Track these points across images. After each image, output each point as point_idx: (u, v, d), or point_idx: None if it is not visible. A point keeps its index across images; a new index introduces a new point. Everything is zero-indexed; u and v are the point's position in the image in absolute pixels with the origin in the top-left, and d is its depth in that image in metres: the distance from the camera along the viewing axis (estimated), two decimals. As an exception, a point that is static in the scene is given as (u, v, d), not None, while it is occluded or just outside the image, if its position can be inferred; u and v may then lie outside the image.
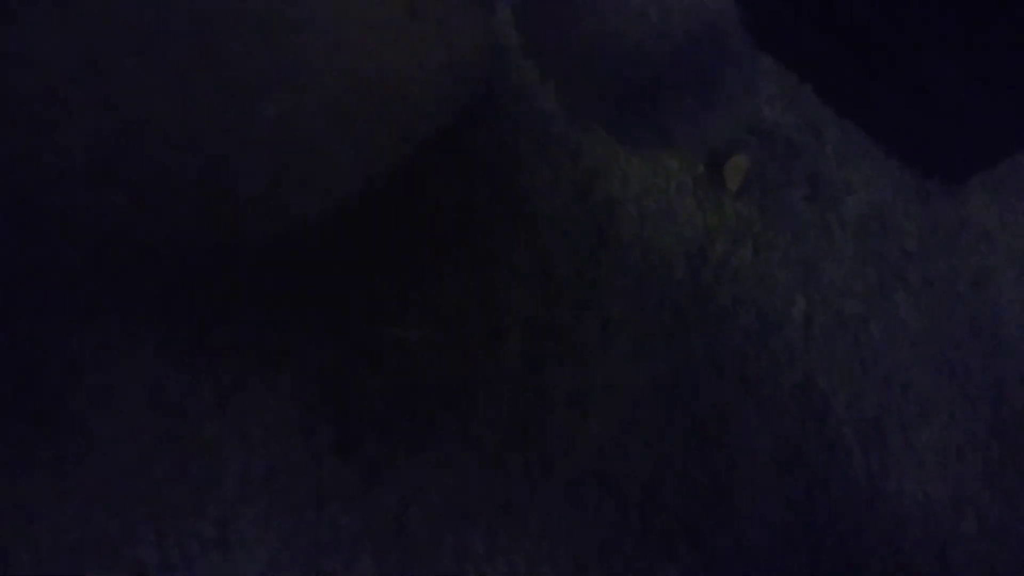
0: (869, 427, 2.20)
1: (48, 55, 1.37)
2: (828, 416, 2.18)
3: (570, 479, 1.95)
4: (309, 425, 1.84)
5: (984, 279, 2.48)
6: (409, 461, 1.87)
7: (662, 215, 2.23)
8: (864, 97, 2.48)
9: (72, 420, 1.70)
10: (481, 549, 1.86)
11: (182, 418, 1.77)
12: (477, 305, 2.00)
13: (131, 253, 1.66)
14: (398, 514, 1.83)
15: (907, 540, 2.12)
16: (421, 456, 1.88)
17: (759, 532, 2.03)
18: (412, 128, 1.70)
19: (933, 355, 2.33)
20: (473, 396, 1.95)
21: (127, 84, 1.36)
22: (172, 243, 1.63)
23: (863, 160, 2.49)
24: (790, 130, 2.40)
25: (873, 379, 2.25)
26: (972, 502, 2.20)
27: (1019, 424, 2.38)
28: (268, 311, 1.87)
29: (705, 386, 2.11)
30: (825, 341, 2.25)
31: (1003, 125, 2.48)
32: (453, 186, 2.04)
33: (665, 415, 2.06)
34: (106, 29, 1.37)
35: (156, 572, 1.67)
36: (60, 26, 1.36)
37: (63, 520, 1.64)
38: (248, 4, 1.46)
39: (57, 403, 1.70)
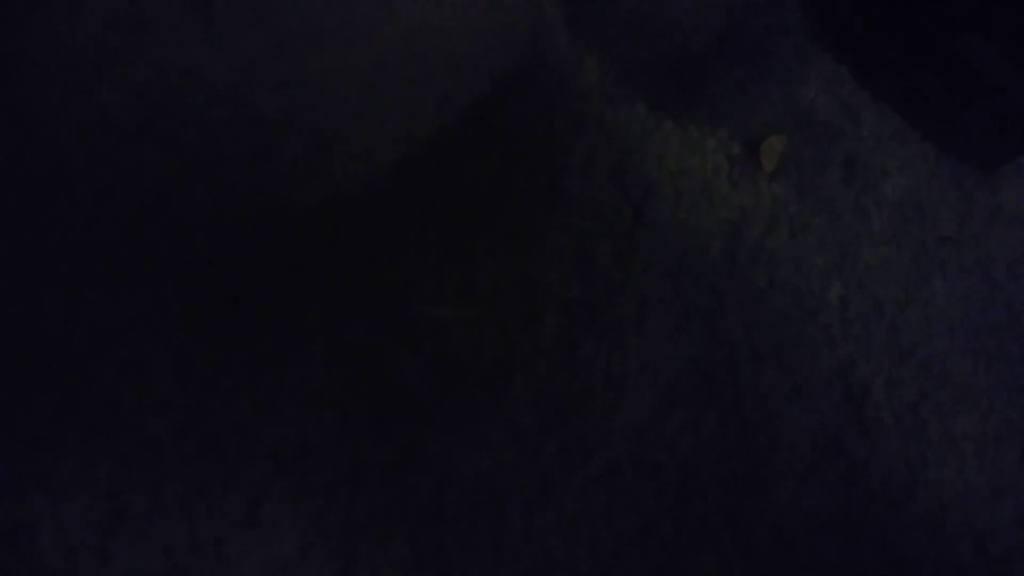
0: (907, 414, 2.17)
1: (91, 6, 1.31)
2: (866, 402, 2.14)
3: (607, 462, 1.92)
4: (343, 402, 1.80)
5: (1019, 265, 2.45)
6: (444, 441, 1.84)
7: (698, 195, 2.19)
8: (902, 82, 2.44)
9: (100, 394, 1.66)
10: (517, 531, 1.82)
11: (213, 392, 1.74)
12: (513, 284, 1.96)
13: (164, 222, 1.62)
14: (433, 495, 1.80)
15: (946, 528, 2.09)
16: (456, 436, 1.85)
17: (797, 518, 2.00)
18: (452, 93, 1.66)
19: (970, 342, 2.30)
20: (509, 376, 1.91)
21: (172, 36, 1.31)
22: (208, 210, 1.58)
23: (900, 145, 2.45)
24: (827, 112, 2.36)
25: (910, 365, 2.22)
26: (1011, 490, 2.17)
27: (1053, 414, 2.35)
28: (303, 285, 1.83)
29: (743, 369, 2.08)
30: (862, 326, 2.22)
31: (1038, 112, 2.45)
32: (489, 163, 1.99)
33: (703, 398, 2.02)
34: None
35: (185, 550, 1.64)
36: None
37: (90, 496, 1.61)
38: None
39: (85, 377, 1.66)
